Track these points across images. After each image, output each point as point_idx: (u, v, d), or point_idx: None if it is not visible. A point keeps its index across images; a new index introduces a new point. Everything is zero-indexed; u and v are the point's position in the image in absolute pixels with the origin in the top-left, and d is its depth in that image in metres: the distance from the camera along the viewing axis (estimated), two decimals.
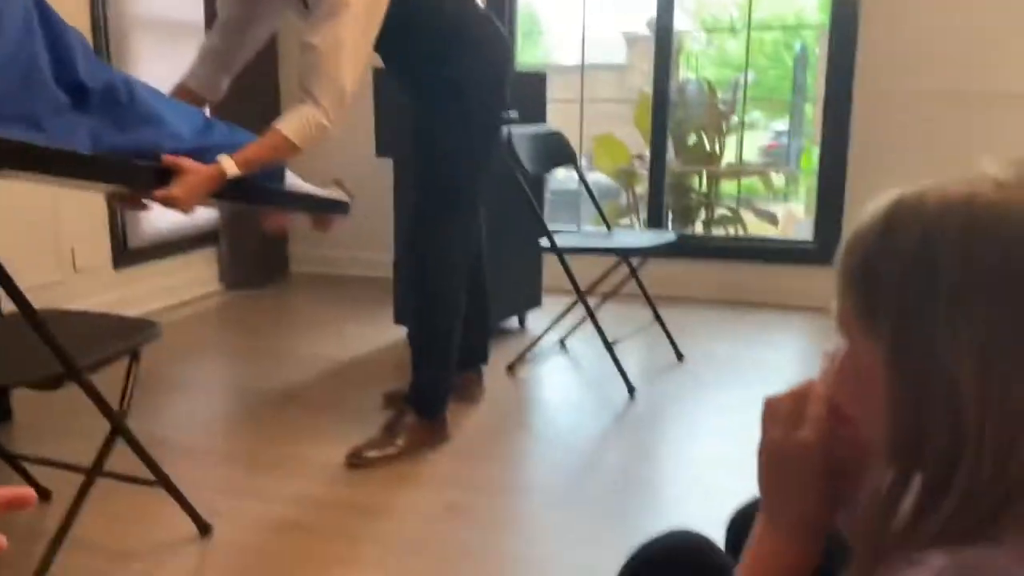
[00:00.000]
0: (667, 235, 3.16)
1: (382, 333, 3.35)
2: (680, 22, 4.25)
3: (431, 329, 2.35)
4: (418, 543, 1.85)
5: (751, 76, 5.52)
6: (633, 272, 3.14)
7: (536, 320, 3.57)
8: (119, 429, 1.64)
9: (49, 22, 1.58)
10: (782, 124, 7.22)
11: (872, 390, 0.59)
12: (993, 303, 0.55)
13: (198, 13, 3.80)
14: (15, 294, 1.46)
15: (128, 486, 1.83)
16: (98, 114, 1.68)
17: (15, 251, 1.98)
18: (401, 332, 3.39)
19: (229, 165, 1.77)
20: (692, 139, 4.94)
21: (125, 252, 3.56)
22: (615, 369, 2.78)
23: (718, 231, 4.86)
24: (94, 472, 1.63)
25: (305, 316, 3.90)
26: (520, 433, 2.54)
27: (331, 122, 1.89)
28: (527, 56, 4.50)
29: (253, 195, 1.94)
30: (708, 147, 4.90)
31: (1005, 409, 0.54)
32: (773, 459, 0.70)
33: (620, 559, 0.91)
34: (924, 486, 0.57)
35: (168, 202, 1.74)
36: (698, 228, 4.89)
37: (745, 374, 3.00)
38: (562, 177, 7.57)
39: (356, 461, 2.22)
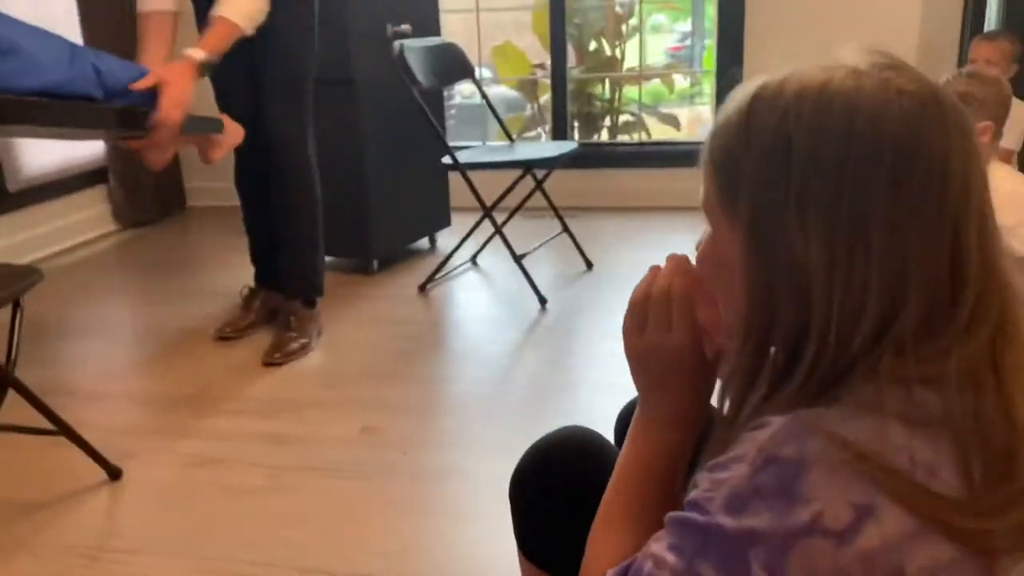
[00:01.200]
0: (569, 145, 3.14)
1: None
2: None
3: (307, 221, 2.55)
4: (337, 467, 1.86)
5: None
6: (538, 184, 3.13)
7: (446, 240, 3.55)
8: (7, 379, 1.57)
9: None
10: (687, 26, 7.22)
11: (731, 273, 0.61)
12: (839, 185, 0.56)
13: None
14: None
15: (28, 438, 1.77)
16: None
17: None
18: None
19: (195, 52, 1.98)
20: (592, 45, 4.90)
21: (5, 196, 3.36)
22: (526, 282, 2.81)
23: (623, 137, 4.89)
24: None
25: (205, 251, 3.78)
26: (434, 352, 2.55)
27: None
28: None
29: (127, 122, 1.84)
30: (608, 52, 4.87)
31: (848, 286, 0.56)
32: (646, 361, 0.72)
33: None
34: (776, 362, 0.60)
35: (166, 121, 1.83)
36: (604, 135, 4.90)
37: None
38: (467, 92, 7.44)
39: (272, 362, 2.39)
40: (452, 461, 1.89)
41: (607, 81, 4.92)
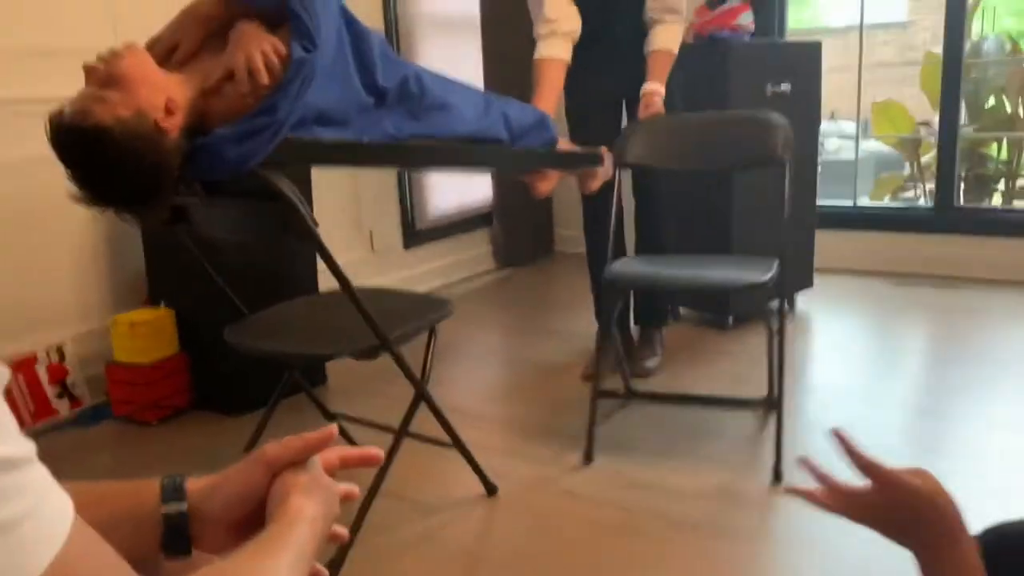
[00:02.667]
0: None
1: None
2: None
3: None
4: (693, 521, 1.88)
5: None
6: None
7: (807, 302, 3.44)
8: (423, 395, 1.83)
9: (353, 32, 1.78)
10: None
11: None
12: None
13: (474, 10, 4.05)
14: (340, 277, 1.67)
15: (425, 445, 2.04)
16: (395, 108, 1.87)
17: (327, 236, 2.27)
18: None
19: (654, 86, 2.49)
20: (990, 102, 4.44)
21: (413, 234, 3.91)
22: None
23: (1020, 203, 4.35)
24: (401, 432, 1.83)
25: (567, 293, 4.04)
26: (790, 418, 2.47)
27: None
28: (792, 21, 4.28)
29: (528, 162, 2.10)
30: (1010, 109, 4.38)
31: None
32: None
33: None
34: None
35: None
36: (996, 200, 4.41)
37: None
38: (833, 147, 7.13)
39: (642, 373, 2.73)
40: (812, 532, 1.82)
41: (1005, 141, 4.42)
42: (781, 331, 2.13)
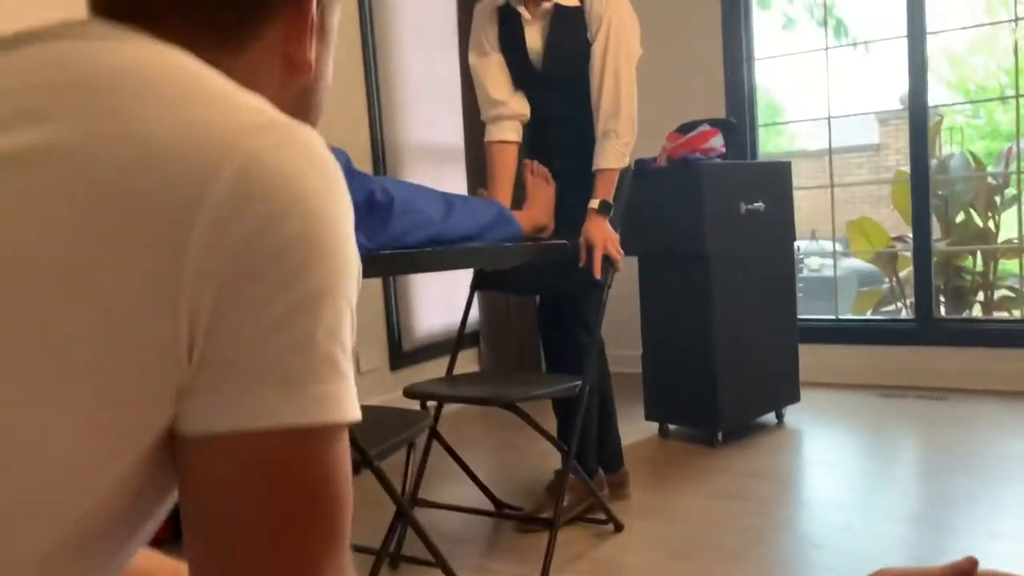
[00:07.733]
0: None
1: (634, 428, 3.36)
2: (940, 95, 4.04)
3: (609, 395, 2.64)
4: None
5: None
6: None
7: (794, 416, 3.43)
8: (405, 514, 1.79)
9: None
10: None
11: None
12: None
13: (459, 140, 4.22)
14: None
15: (405, 565, 1.98)
16: (365, 219, 1.95)
17: None
18: (652, 428, 3.40)
19: (593, 203, 2.33)
20: (960, 216, 4.59)
21: (400, 355, 3.92)
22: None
23: (999, 314, 4.41)
24: (383, 552, 1.78)
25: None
26: (783, 534, 2.42)
27: (629, 142, 2.37)
28: (769, 146, 4.47)
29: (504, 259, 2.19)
30: (981, 224, 4.52)
31: None
32: None
33: None
34: None
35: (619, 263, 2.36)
36: (976, 311, 4.48)
37: None
38: (815, 265, 7.27)
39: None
40: None
41: (979, 254, 4.54)
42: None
